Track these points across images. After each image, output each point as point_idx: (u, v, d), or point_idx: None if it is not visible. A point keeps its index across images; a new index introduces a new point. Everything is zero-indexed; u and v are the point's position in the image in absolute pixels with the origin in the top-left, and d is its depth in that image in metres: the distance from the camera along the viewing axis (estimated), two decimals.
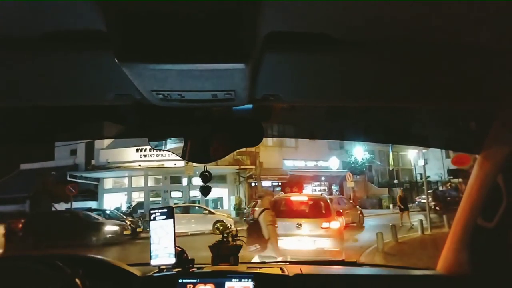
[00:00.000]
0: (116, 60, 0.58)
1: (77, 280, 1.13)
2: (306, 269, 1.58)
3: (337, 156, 27.56)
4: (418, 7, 0.57)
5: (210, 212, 14.57)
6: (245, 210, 16.39)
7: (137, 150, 22.09)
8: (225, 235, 1.68)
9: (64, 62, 0.73)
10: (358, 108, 1.22)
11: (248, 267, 1.58)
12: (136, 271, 1.53)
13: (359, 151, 28.79)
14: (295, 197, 8.97)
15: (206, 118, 1.05)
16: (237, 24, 0.55)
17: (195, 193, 22.67)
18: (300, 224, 7.48)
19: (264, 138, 1.14)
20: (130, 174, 22.07)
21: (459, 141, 1.31)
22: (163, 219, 1.55)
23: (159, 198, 21.98)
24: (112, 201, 21.82)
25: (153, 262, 1.55)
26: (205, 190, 1.30)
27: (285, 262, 1.81)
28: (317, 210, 8.18)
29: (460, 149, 1.51)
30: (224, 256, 1.63)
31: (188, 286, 1.44)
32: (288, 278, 1.45)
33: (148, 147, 21.81)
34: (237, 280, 1.44)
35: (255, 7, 0.53)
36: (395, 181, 30.22)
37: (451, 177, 31.90)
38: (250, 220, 14.64)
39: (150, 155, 22.25)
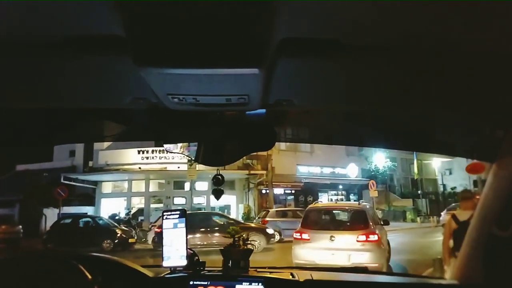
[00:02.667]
0: (133, 64, 0.61)
1: (84, 271, 1.15)
2: (317, 275, 1.63)
3: (356, 163, 26.10)
4: (436, 12, 0.58)
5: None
6: (254, 221, 14.94)
7: (139, 152, 20.95)
8: (236, 239, 1.72)
9: (83, 66, 0.75)
10: (375, 114, 1.23)
11: (258, 271, 1.62)
12: (148, 272, 1.59)
13: (380, 158, 27.37)
14: (329, 208, 8.73)
15: (220, 122, 1.06)
16: (251, 30, 0.58)
17: (200, 200, 21.34)
18: (334, 237, 7.10)
19: (277, 142, 1.17)
20: (130, 178, 20.98)
21: (474, 149, 1.32)
22: (175, 221, 1.60)
23: (161, 205, 20.67)
24: (111, 207, 20.88)
25: (165, 263, 1.60)
26: (217, 193, 1.41)
27: (296, 267, 1.87)
28: (353, 221, 7.80)
29: (475, 157, 1.59)
30: (235, 259, 1.67)
31: None
32: (299, 283, 1.49)
33: (150, 149, 20.82)
34: (248, 284, 1.48)
35: (270, 13, 0.55)
36: (420, 192, 28.52)
37: (477, 188, 30.50)
38: None
39: (152, 158, 21.07)
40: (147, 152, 21.07)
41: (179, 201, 20.74)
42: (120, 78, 0.79)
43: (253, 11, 0.55)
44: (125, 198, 21.43)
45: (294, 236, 7.60)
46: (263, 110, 1.00)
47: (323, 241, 7.04)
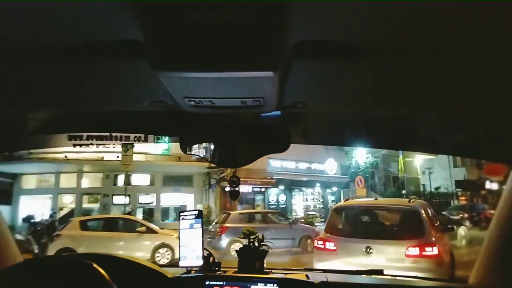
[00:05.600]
0: (151, 68, 0.64)
1: (102, 273, 1.13)
2: (332, 277, 1.65)
3: (335, 158, 23.39)
4: (453, 15, 0.59)
5: (150, 230, 9.54)
6: (210, 227, 11.48)
7: (70, 138, 16.64)
8: (251, 240, 1.75)
9: (102, 71, 0.79)
10: (390, 116, 1.28)
11: (273, 273, 1.65)
12: (166, 272, 1.64)
13: (361, 154, 24.82)
14: (367, 206, 6.50)
15: (235, 124, 1.11)
16: (266, 34, 0.60)
17: (147, 199, 17.63)
18: (371, 248, 5.19)
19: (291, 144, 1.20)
20: (57, 170, 16.85)
21: (493, 151, 1.33)
22: (192, 222, 1.64)
23: (97, 205, 16.85)
24: (34, 207, 16.85)
25: (182, 263, 1.66)
26: (233, 194, 1.39)
27: (311, 269, 1.97)
28: (401, 226, 5.84)
29: (494, 159, 1.55)
30: (250, 260, 1.70)
31: None
32: (314, 285, 1.53)
33: (85, 134, 16.96)
34: (263, 284, 1.52)
35: (284, 17, 0.57)
36: (404, 191, 26.37)
37: (460, 189, 29.25)
38: (216, 241, 9.83)
39: (88, 145, 17.01)
40: (81, 138, 17.08)
41: (120, 200, 16.90)
42: (138, 81, 0.82)
43: (268, 15, 0.57)
44: (51, 195, 17.28)
45: (316, 245, 5.86)
46: (278, 112, 1.03)
47: (356, 254, 5.16)
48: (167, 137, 18.44)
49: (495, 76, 0.79)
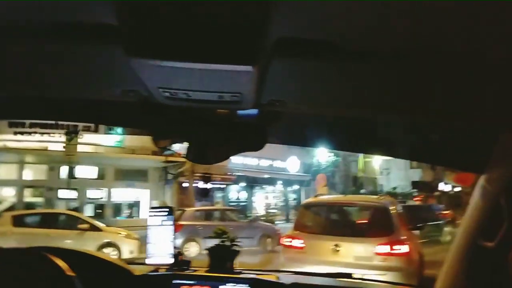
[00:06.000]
0: (125, 55, 0.62)
1: (69, 273, 1.14)
2: (303, 279, 1.73)
3: (297, 157, 23.30)
4: (437, 18, 0.59)
5: (93, 227, 8.61)
6: None
7: (11, 125, 15.45)
8: (223, 239, 1.73)
9: (73, 54, 0.75)
10: (371, 119, 1.27)
11: (244, 273, 1.63)
12: (132, 269, 1.60)
13: (323, 153, 24.87)
14: (335, 203, 6.40)
15: (211, 120, 1.07)
16: (246, 27, 0.59)
17: (96, 194, 16.45)
18: (339, 246, 5.00)
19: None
20: None
21: (462, 159, 1.34)
22: (163, 218, 1.61)
23: (41, 199, 15.46)
24: None
25: (148, 261, 1.62)
26: (204, 192, 1.03)
27: (282, 271, 2.00)
28: (370, 224, 5.69)
29: (463, 168, 1.52)
30: (221, 260, 1.67)
31: (182, 287, 1.51)
32: (285, 286, 1.52)
33: (28, 121, 15.56)
34: (233, 284, 1.49)
35: (265, 11, 0.56)
36: (363, 191, 26.75)
37: (416, 190, 30.28)
38: None
39: (30, 134, 15.69)
40: (23, 125, 15.67)
41: (67, 194, 15.62)
42: (111, 69, 0.79)
43: (250, 8, 0.56)
44: None
45: (283, 242, 5.80)
46: (255, 111, 1.02)
47: (324, 251, 5.06)
48: (120, 128, 17.34)
49: (480, 82, 0.79)
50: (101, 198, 16.87)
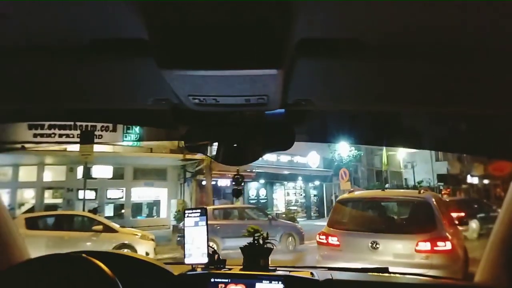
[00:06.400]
0: (156, 66, 0.65)
1: (107, 271, 1.17)
2: (337, 275, 1.68)
3: (318, 151, 22.71)
4: (459, 13, 0.60)
5: (108, 229, 8.37)
6: (181, 224, 10.41)
7: (31, 127, 15.39)
8: (256, 237, 1.77)
9: (108, 68, 0.81)
10: (396, 113, 1.30)
11: (278, 270, 1.67)
12: (171, 269, 1.65)
13: (344, 147, 24.16)
14: (373, 198, 6.02)
15: (240, 122, 1.11)
16: (270, 32, 0.60)
17: (115, 194, 16.35)
18: (377, 243, 4.80)
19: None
20: (16, 162, 15.36)
21: (500, 148, 1.33)
22: (196, 219, 1.67)
23: (61, 200, 15.49)
24: None
25: (187, 260, 1.67)
26: (236, 193, 1.49)
27: (316, 267, 1.92)
28: (410, 220, 5.44)
29: (500, 156, 1.53)
30: (255, 258, 1.72)
31: (219, 285, 1.55)
32: (318, 282, 1.55)
33: (47, 123, 15.58)
34: (268, 282, 1.53)
35: (288, 14, 0.57)
36: (387, 186, 25.90)
37: (442, 183, 29.18)
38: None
39: (50, 135, 15.66)
40: (43, 127, 15.69)
41: (87, 194, 15.58)
42: (143, 80, 0.83)
43: (273, 13, 0.57)
44: (9, 190, 15.78)
45: (318, 239, 5.57)
46: (282, 110, 1.04)
47: (361, 249, 4.89)
48: (137, 128, 17.21)
49: (500, 74, 0.79)
50: (121, 198, 16.87)
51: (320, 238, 5.53)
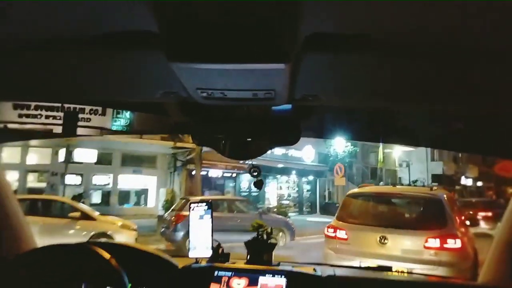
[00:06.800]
0: (165, 59, 0.66)
1: (112, 262, 1.22)
2: (340, 272, 1.70)
3: (313, 146, 22.33)
4: (470, 11, 0.59)
5: (86, 216, 7.90)
6: (166, 214, 9.93)
7: (16, 107, 14.72)
8: (260, 232, 1.78)
9: (117, 61, 0.81)
10: (405, 110, 1.33)
11: (281, 265, 1.69)
12: (176, 261, 1.69)
13: (340, 142, 23.81)
14: (383, 193, 5.97)
15: (246, 117, 1.13)
16: (279, 26, 0.61)
17: (101, 180, 15.81)
18: (386, 238, 4.79)
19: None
20: None
21: (506, 148, 1.34)
22: (202, 213, 1.69)
23: (44, 184, 14.90)
24: None
25: (191, 254, 1.68)
26: (258, 184, 1.45)
27: (319, 263, 1.93)
28: (420, 216, 5.40)
29: (500, 155, 1.54)
30: (259, 252, 1.74)
31: (223, 278, 1.58)
32: (321, 278, 1.56)
33: (33, 104, 14.96)
34: (271, 276, 1.56)
35: (297, 9, 0.57)
36: (381, 183, 25.61)
37: (436, 183, 29.01)
38: (170, 232, 8.30)
39: (36, 116, 15.02)
40: (28, 108, 15.04)
41: (71, 180, 15.02)
42: (152, 73, 0.84)
43: (281, 7, 0.58)
44: None
45: (326, 233, 5.61)
46: (289, 105, 1.05)
47: (369, 243, 4.87)
48: (128, 112, 16.64)
49: (502, 74, 0.80)
50: (107, 184, 16.31)
51: (328, 231, 5.54)
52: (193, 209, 1.69)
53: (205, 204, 1.67)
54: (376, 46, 0.68)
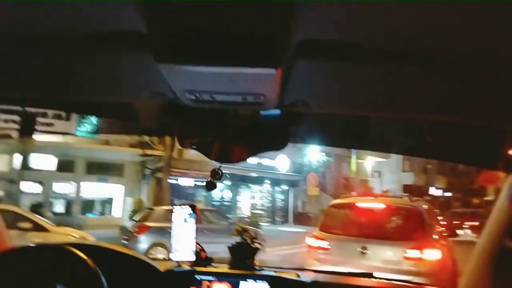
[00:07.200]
0: (153, 60, 0.65)
1: (90, 263, 1.18)
2: (323, 278, 1.69)
3: (287, 155, 22.29)
4: (463, 19, 0.59)
5: (38, 227, 7.42)
6: (129, 225, 9.38)
7: None
8: (244, 237, 1.76)
9: (104, 60, 0.80)
10: (396, 120, 1.32)
11: (264, 270, 1.66)
12: (158, 265, 1.66)
13: (315, 152, 23.82)
14: (363, 203, 5.86)
15: (235, 121, 1.10)
16: (270, 30, 0.60)
17: (62, 188, 14.96)
18: (366, 248, 4.94)
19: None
20: None
21: (490, 158, 1.31)
22: (186, 216, 1.66)
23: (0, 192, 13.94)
24: None
25: (173, 257, 1.68)
26: (210, 185, 1.39)
27: (302, 269, 1.93)
28: (400, 226, 5.44)
29: (490, 166, 1.49)
30: (242, 257, 1.71)
31: (204, 282, 1.57)
32: (305, 284, 1.55)
33: None
34: (253, 281, 1.54)
35: (289, 14, 0.57)
36: (354, 193, 25.71)
37: (407, 194, 29.60)
38: (131, 244, 7.76)
39: None
40: None
41: (30, 188, 14.10)
42: (139, 73, 0.83)
43: (274, 12, 0.57)
44: None
45: (308, 242, 5.68)
46: (278, 111, 1.04)
47: (350, 254, 4.96)
48: (94, 117, 15.93)
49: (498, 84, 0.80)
50: (69, 193, 15.42)
51: (310, 242, 5.65)
52: (176, 212, 1.68)
53: (189, 207, 1.65)
54: (367, 54, 0.68)
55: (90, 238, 7.70)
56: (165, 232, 8.72)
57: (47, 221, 7.95)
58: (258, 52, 0.61)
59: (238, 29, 0.60)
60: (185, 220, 1.65)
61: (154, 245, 8.09)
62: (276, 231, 16.84)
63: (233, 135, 1.14)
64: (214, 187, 1.38)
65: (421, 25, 0.60)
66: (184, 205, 1.67)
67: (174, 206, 1.70)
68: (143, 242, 8.07)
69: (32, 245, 1.27)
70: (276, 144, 1.16)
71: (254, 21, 0.59)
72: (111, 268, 1.26)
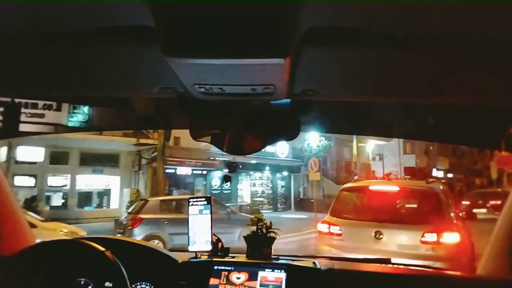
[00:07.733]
0: (162, 54, 0.65)
1: (109, 255, 1.22)
2: (339, 265, 1.72)
3: (287, 141, 21.65)
4: (470, 4, 0.60)
5: None
6: (122, 218, 9.00)
7: None
8: (259, 226, 1.78)
9: (113, 56, 0.81)
10: (405, 105, 1.32)
11: (281, 259, 1.71)
12: (176, 256, 1.70)
13: (314, 137, 23.41)
14: (377, 187, 5.58)
15: (245, 112, 1.13)
16: (277, 20, 0.61)
17: (57, 181, 14.56)
18: (381, 233, 4.69)
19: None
20: None
21: (494, 139, 1.35)
22: (201, 208, 1.70)
23: None
24: None
25: (191, 248, 1.70)
26: (226, 178, 1.56)
27: (319, 256, 1.94)
28: (416, 209, 5.20)
29: (506, 149, 1.49)
30: (258, 247, 1.75)
31: (222, 273, 1.59)
32: (320, 271, 1.58)
33: None
34: (270, 270, 1.57)
35: (296, 4, 0.58)
36: (356, 177, 25.39)
37: (408, 176, 29.28)
38: (126, 237, 7.28)
39: None
40: None
41: (24, 181, 13.70)
42: (149, 68, 0.83)
43: (280, 2, 0.57)
44: None
45: (319, 228, 5.40)
46: (288, 100, 1.05)
47: (364, 239, 4.71)
48: (86, 107, 15.44)
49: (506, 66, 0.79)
50: (64, 185, 15.03)
51: (321, 227, 5.45)
52: (191, 205, 1.70)
53: (204, 199, 1.67)
54: (375, 40, 0.68)
55: (81, 232, 7.33)
56: (160, 223, 8.35)
57: (35, 216, 7.58)
58: (266, 43, 0.61)
59: (245, 20, 0.60)
60: (201, 212, 1.68)
61: (149, 238, 7.72)
62: (278, 218, 16.52)
63: (244, 126, 1.12)
64: (230, 179, 1.39)
65: (427, 10, 0.59)
66: (201, 197, 1.69)
67: (189, 199, 1.70)
68: (138, 235, 7.69)
69: (54, 240, 1.27)
70: (287, 133, 1.16)
71: (261, 11, 0.59)
72: (130, 261, 1.29)
